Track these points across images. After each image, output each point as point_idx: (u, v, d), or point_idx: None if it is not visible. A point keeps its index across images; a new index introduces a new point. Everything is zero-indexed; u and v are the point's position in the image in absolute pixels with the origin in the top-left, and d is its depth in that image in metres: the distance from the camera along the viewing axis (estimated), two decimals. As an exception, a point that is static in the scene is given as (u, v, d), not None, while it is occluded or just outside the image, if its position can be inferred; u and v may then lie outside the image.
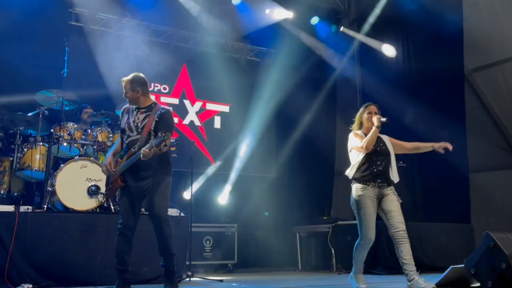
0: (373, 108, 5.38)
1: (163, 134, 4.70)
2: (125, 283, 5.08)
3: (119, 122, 5.42)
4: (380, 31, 10.49)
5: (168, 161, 5.15)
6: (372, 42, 10.46)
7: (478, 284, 5.15)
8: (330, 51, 10.71)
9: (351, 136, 5.34)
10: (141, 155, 4.76)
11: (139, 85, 5.12)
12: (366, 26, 10.51)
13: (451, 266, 5.43)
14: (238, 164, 9.85)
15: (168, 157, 5.15)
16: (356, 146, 5.25)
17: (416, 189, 9.72)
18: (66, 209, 6.26)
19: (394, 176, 5.21)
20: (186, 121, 9.86)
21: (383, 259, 7.85)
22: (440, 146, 5.21)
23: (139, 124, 5.07)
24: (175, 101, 9.72)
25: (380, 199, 5.14)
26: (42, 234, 5.77)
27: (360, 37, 10.61)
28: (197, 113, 9.99)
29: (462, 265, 5.22)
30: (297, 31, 10.47)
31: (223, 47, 10.35)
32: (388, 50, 10.29)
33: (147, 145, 4.76)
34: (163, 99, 9.58)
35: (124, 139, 5.15)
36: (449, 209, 9.23)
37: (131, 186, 5.06)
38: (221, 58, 10.29)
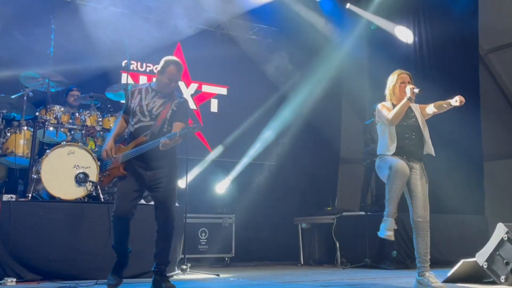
0: (405, 76, 5.22)
1: (194, 125, 4.74)
2: (120, 268, 5.01)
3: (118, 104, 5.35)
4: (389, 9, 10.39)
5: (175, 152, 5.12)
6: (380, 21, 10.37)
7: (490, 279, 5.19)
8: (336, 30, 10.64)
9: (378, 107, 5.21)
10: (160, 145, 4.69)
11: None
12: (375, 2, 10.43)
13: (462, 260, 5.46)
14: (240, 151, 9.84)
15: (175, 148, 5.09)
16: (382, 119, 5.12)
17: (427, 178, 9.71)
18: (52, 198, 6.27)
19: (429, 149, 5.14)
20: (180, 105, 9.78)
21: (391, 254, 7.88)
22: (454, 100, 4.93)
23: (154, 110, 4.96)
24: (169, 82, 9.62)
25: (409, 169, 5.05)
26: (27, 225, 5.80)
27: (368, 15, 10.53)
28: (192, 95, 9.94)
29: (474, 259, 5.26)
30: (300, 7, 10.40)
31: (220, 24, 10.30)
32: (403, 34, 10.17)
33: (169, 135, 4.71)
34: (156, 80, 9.51)
35: (132, 123, 5.02)
36: (462, 199, 9.23)
37: (135, 175, 4.93)
38: (219, 36, 10.26)
